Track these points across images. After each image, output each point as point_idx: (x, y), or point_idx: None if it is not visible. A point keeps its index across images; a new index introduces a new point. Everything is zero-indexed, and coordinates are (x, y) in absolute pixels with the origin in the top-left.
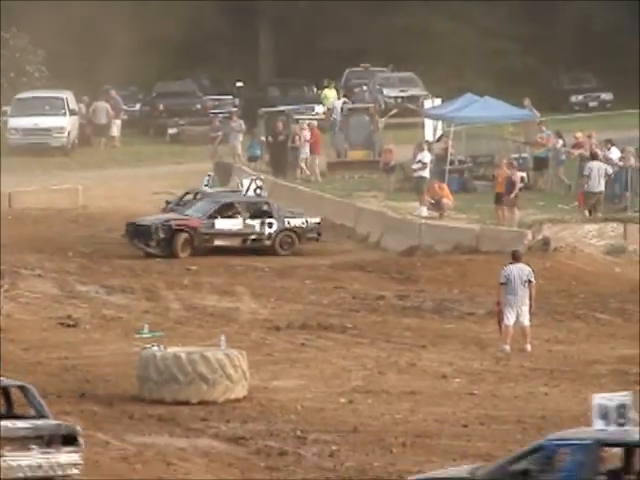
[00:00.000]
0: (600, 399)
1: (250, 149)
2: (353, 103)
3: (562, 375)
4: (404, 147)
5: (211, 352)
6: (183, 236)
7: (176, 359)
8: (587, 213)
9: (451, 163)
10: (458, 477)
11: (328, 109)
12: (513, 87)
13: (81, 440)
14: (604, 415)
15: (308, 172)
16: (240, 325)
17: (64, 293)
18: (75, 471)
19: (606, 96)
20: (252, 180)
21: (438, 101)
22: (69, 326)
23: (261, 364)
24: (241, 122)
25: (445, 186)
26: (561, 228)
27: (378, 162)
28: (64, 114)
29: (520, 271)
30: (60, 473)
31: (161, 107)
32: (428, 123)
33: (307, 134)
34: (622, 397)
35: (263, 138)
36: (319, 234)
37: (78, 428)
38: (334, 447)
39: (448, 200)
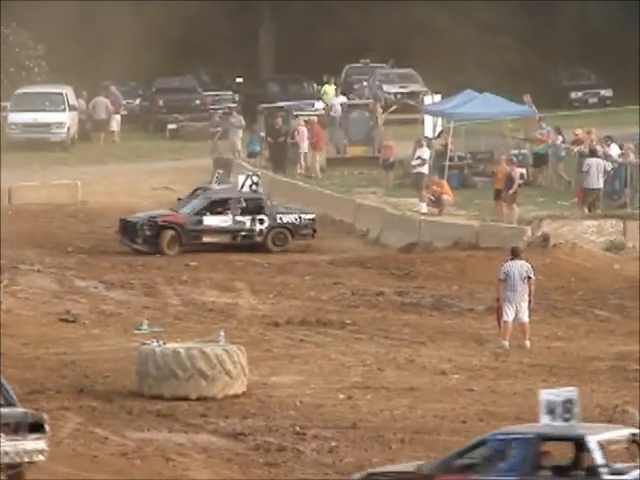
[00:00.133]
0: (547, 394)
1: (250, 145)
2: (349, 99)
3: (561, 371)
4: (404, 143)
5: (210, 348)
6: (169, 233)
7: (175, 355)
8: (586, 210)
9: (451, 159)
10: (405, 471)
11: (327, 105)
12: (513, 83)
13: (47, 427)
14: (551, 410)
15: (302, 169)
16: (239, 321)
17: (63, 288)
18: (41, 457)
19: (606, 92)
20: (247, 176)
21: (438, 97)
22: (68, 321)
23: (260, 360)
24: (241, 118)
25: (445, 182)
26: (561, 224)
27: (377, 158)
28: (64, 109)
29: (519, 267)
30: (27, 459)
31: (161, 103)
32: (428, 119)
33: (304, 130)
34: (568, 392)
35: (263, 134)
36: (314, 230)
37: (45, 416)
38: (333, 443)
39: (448, 196)
